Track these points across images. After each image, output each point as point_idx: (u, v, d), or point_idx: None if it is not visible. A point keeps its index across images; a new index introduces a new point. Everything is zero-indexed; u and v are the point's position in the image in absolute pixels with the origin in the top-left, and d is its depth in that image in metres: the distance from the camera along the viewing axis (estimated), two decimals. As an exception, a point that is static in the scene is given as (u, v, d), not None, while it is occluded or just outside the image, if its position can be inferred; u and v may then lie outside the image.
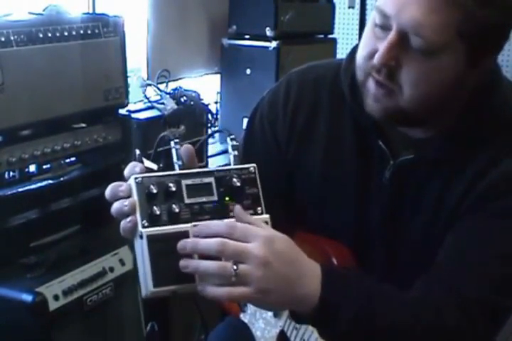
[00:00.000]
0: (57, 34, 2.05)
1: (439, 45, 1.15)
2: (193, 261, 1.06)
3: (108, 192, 1.10)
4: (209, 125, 2.85)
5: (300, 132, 1.41)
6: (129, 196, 1.08)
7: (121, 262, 2.19)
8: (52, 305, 1.92)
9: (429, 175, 1.30)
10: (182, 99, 2.70)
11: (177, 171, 1.11)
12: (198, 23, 3.43)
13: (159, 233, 1.06)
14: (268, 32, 3.29)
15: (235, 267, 1.05)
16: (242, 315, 1.56)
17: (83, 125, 2.23)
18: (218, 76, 3.47)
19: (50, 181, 2.14)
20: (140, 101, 2.67)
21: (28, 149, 2.03)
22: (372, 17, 1.22)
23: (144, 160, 1.13)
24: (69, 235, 2.17)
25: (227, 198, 1.11)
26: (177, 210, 1.07)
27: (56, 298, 1.94)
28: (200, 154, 2.63)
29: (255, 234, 1.08)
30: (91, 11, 2.74)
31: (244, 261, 1.06)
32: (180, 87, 2.77)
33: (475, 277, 1.22)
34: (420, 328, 1.19)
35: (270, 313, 1.47)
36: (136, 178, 1.07)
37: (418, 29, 1.14)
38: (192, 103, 2.72)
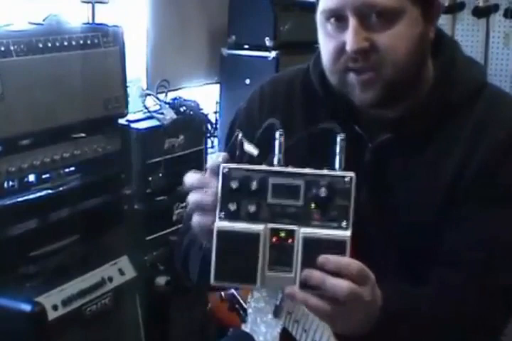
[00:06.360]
0: (57, 44, 2.06)
1: (396, 12, 1.25)
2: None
3: (189, 180, 1.09)
4: (208, 135, 2.86)
5: None
6: (210, 186, 1.06)
7: (121, 272, 2.18)
8: (51, 315, 1.92)
9: (413, 153, 1.33)
10: (181, 109, 2.71)
11: (267, 167, 1.06)
12: (197, 32, 3.44)
13: (230, 230, 1.02)
14: (267, 42, 3.30)
15: None
16: (243, 326, 1.56)
17: (83, 135, 2.23)
18: (218, 86, 3.48)
19: (50, 191, 2.15)
20: (139, 111, 2.67)
21: (28, 159, 2.04)
22: (321, 25, 1.36)
23: (245, 143, 1.09)
24: (68, 245, 2.17)
25: (312, 205, 1.04)
26: (257, 208, 1.03)
27: (55, 307, 1.94)
28: (200, 163, 2.62)
29: (370, 280, 1.10)
30: (91, 21, 2.74)
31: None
32: (179, 97, 2.78)
33: (492, 265, 1.27)
34: (441, 321, 1.24)
35: (270, 315, 1.47)
36: (224, 168, 1.04)
37: (372, 5, 1.24)
38: (191, 113, 2.73)
